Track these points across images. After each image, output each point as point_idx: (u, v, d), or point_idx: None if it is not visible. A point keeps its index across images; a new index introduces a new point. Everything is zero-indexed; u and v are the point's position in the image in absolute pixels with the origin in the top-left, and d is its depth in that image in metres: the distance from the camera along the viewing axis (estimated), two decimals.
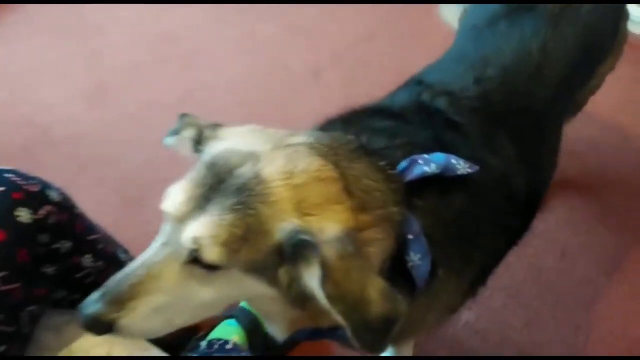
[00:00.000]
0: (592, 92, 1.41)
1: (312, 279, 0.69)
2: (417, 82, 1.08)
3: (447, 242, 0.88)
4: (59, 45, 2.26)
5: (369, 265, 0.73)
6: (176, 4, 2.37)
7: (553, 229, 1.67)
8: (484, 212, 0.94)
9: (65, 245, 0.98)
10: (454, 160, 0.86)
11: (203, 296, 0.76)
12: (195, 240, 0.70)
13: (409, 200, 0.83)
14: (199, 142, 0.84)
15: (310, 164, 0.75)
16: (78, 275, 1.01)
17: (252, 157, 0.75)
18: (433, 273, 0.85)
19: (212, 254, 0.70)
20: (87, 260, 1.03)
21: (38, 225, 0.91)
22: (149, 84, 2.12)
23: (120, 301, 0.73)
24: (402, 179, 0.84)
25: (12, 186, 0.90)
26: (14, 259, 0.87)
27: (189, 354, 1.19)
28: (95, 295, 0.75)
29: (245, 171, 0.73)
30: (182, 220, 0.73)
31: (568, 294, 1.56)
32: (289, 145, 0.78)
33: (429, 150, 0.88)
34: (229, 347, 1.16)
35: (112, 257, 1.12)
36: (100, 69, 2.18)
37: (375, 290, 0.70)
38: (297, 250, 0.70)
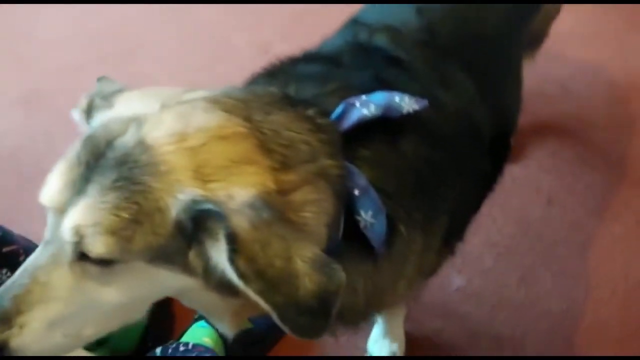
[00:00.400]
0: (550, 19, 1.30)
1: (219, 255, 0.58)
2: (353, 23, 0.96)
3: (404, 195, 0.76)
4: None
5: (295, 232, 0.60)
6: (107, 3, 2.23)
7: (535, 176, 1.56)
8: (444, 156, 0.82)
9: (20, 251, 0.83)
10: (397, 97, 0.74)
11: (107, 299, 0.63)
12: (75, 230, 0.58)
13: (352, 150, 0.71)
14: (88, 113, 0.71)
15: (208, 121, 0.63)
16: None
17: (135, 121, 0.62)
18: (393, 232, 0.73)
19: (97, 246, 0.57)
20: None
21: None
22: (89, 84, 1.96)
23: (6, 318, 0.60)
24: (336, 127, 0.72)
25: None
26: None
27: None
28: None
29: (126, 139, 0.61)
30: (61, 210, 0.60)
31: (560, 243, 1.46)
32: (182, 102, 0.65)
33: (368, 92, 0.75)
34: (184, 348, 1.03)
35: None
36: (32, 73, 2.02)
37: (304, 262, 0.58)
38: (198, 223, 0.58)
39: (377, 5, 1.00)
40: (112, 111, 0.67)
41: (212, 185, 0.59)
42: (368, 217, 0.70)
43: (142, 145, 0.60)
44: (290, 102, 0.71)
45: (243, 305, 0.70)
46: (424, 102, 0.76)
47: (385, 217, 0.71)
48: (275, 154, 0.63)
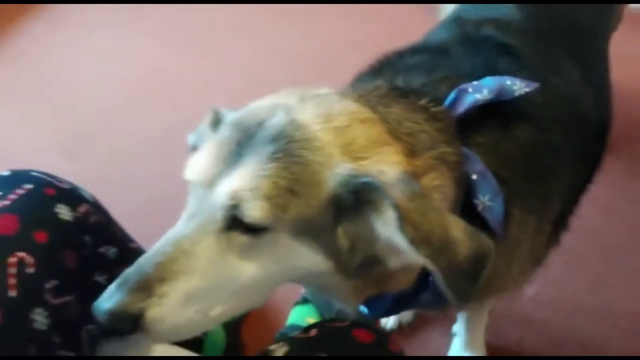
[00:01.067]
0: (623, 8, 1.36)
1: (386, 225, 0.60)
2: (454, 19, 1.00)
3: (519, 179, 0.78)
4: (24, 108, 2.11)
5: (441, 206, 0.64)
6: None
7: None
8: (558, 140, 0.84)
9: (111, 250, 0.83)
10: (508, 81, 0.77)
11: (245, 274, 0.63)
12: (233, 194, 0.59)
13: (466, 137, 0.74)
14: (216, 124, 0.73)
15: (345, 107, 0.67)
16: None
17: (281, 107, 0.65)
18: (508, 216, 0.75)
19: (254, 210, 0.58)
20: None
21: (79, 224, 0.77)
22: (128, 125, 1.99)
23: (146, 286, 0.59)
24: (451, 114, 0.74)
25: (42, 182, 0.76)
26: (61, 264, 0.72)
27: None
28: (112, 286, 0.61)
29: (277, 120, 0.63)
30: (211, 182, 0.62)
31: (623, 248, 1.49)
32: (317, 95, 0.69)
33: (477, 79, 0.78)
34: None
35: None
36: (70, 118, 2.04)
37: (458, 229, 0.60)
38: (360, 196, 0.60)
39: (473, 6, 1.05)
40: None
41: (361, 162, 0.62)
42: (486, 200, 0.72)
43: (294, 123, 0.63)
44: (402, 94, 0.75)
45: (364, 285, 0.72)
46: (535, 85, 0.78)
47: (502, 200, 0.73)
48: (402, 141, 0.67)
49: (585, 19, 1.03)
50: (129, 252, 0.89)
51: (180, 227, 0.63)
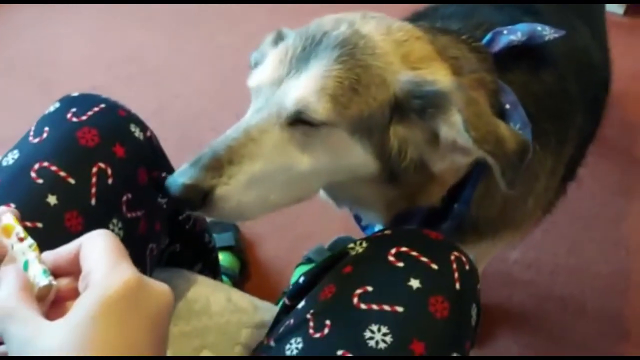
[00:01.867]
0: None
1: (451, 128, 0.67)
2: None
3: (542, 118, 0.85)
4: (7, 84, 2.09)
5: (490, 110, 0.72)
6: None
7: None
8: (574, 86, 0.93)
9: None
10: (539, 27, 0.84)
11: (301, 164, 0.69)
12: (300, 100, 0.66)
13: (500, 74, 0.82)
14: (277, 42, 0.78)
15: (403, 25, 0.75)
16: (180, 218, 0.89)
17: (345, 21, 0.73)
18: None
19: (320, 108, 0.65)
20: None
21: (149, 145, 0.81)
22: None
23: (217, 166, 0.66)
24: (489, 50, 0.82)
25: (114, 104, 0.80)
26: (135, 179, 0.76)
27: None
28: (185, 164, 0.67)
29: (342, 30, 0.70)
30: (277, 83, 0.69)
31: (595, 217, 1.63)
32: (377, 15, 0.77)
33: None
34: None
35: None
36: (55, 97, 2.03)
37: (504, 128, 0.69)
38: (426, 102, 0.68)
39: None
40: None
41: (418, 72, 0.70)
42: (516, 128, 0.78)
43: (358, 33, 0.70)
44: (445, 31, 0.82)
45: (398, 196, 0.79)
46: (562, 32, 0.85)
47: (530, 130, 0.80)
48: (448, 62, 0.75)
49: None
50: None
51: (249, 118, 0.70)
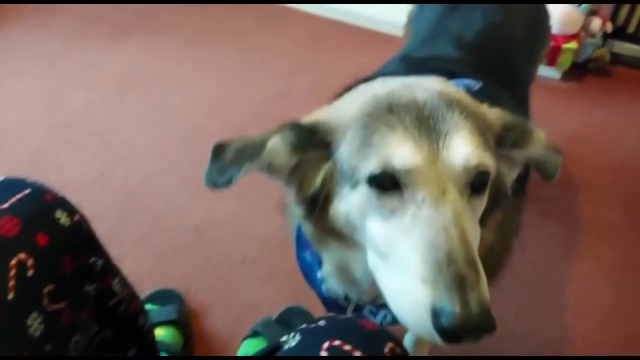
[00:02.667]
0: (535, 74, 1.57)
1: (539, 145, 0.77)
2: (401, 58, 1.13)
3: None
4: None
5: None
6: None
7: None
8: None
9: (98, 262, 0.83)
10: (466, 81, 0.92)
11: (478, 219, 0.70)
12: (472, 155, 0.65)
13: None
14: (303, 143, 0.72)
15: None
16: (111, 302, 0.85)
17: (411, 86, 0.72)
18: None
19: (488, 160, 0.66)
20: (117, 284, 0.88)
21: (76, 231, 0.77)
22: (57, 168, 1.94)
23: (472, 274, 0.61)
24: None
25: (39, 188, 0.76)
26: (59, 269, 0.72)
27: None
28: (445, 293, 0.59)
29: (431, 94, 0.70)
30: (432, 160, 0.65)
31: (541, 281, 1.64)
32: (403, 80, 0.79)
33: None
34: None
35: (132, 290, 0.97)
36: (3, 160, 1.96)
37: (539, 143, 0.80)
38: (515, 132, 0.75)
39: (416, 46, 1.19)
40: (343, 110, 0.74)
41: (495, 110, 0.78)
42: None
43: (442, 92, 0.70)
44: None
45: None
46: (480, 83, 0.95)
47: None
48: None
49: (511, 59, 1.21)
50: (112, 266, 0.89)
51: (445, 209, 0.63)
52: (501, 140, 0.74)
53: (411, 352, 1.34)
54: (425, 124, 0.66)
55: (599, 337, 1.51)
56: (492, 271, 0.95)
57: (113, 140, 2.07)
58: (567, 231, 1.80)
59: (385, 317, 0.92)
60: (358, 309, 0.93)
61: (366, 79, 1.01)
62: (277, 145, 0.71)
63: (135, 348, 0.94)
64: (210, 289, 1.57)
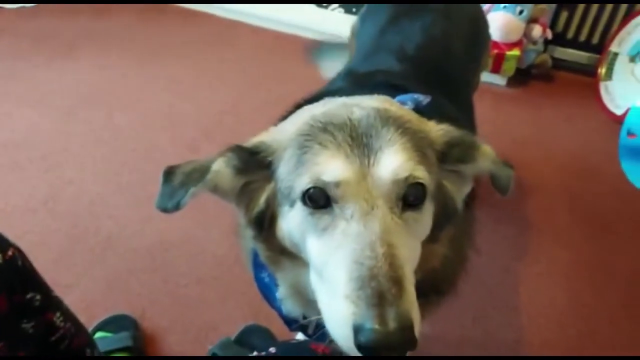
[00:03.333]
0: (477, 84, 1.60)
1: (486, 159, 0.75)
2: (346, 73, 1.14)
3: None
4: None
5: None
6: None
7: None
8: None
9: (36, 297, 0.79)
10: (415, 95, 0.91)
11: (422, 230, 0.71)
12: (402, 168, 0.65)
13: None
14: (246, 165, 0.73)
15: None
16: (53, 338, 0.81)
17: (353, 104, 0.73)
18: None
19: (420, 172, 0.66)
20: (58, 319, 0.84)
21: (10, 268, 0.73)
22: (0, 192, 1.86)
23: (393, 291, 0.60)
24: None
25: None
26: None
27: None
28: (359, 309, 0.60)
29: (369, 111, 0.70)
30: (363, 176, 0.65)
31: (497, 284, 1.67)
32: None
33: None
34: None
35: (77, 322, 0.93)
36: None
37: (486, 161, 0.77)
38: (462, 147, 0.74)
39: (359, 62, 1.20)
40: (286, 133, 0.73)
41: (441, 126, 0.77)
42: None
43: (381, 109, 0.71)
44: None
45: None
46: (429, 97, 0.93)
47: None
48: None
49: (453, 71, 1.23)
50: (52, 300, 0.85)
51: (370, 223, 0.63)
52: (446, 156, 0.74)
53: None
54: (358, 140, 0.66)
55: (555, 335, 1.55)
56: (450, 282, 0.95)
57: (60, 161, 2.00)
58: (519, 234, 1.84)
59: None
60: (319, 327, 0.92)
61: (312, 99, 1.01)
62: (221, 168, 0.71)
63: None
64: (166, 311, 1.53)
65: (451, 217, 0.75)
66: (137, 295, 1.56)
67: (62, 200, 1.84)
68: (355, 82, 1.08)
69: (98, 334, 1.40)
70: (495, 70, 2.48)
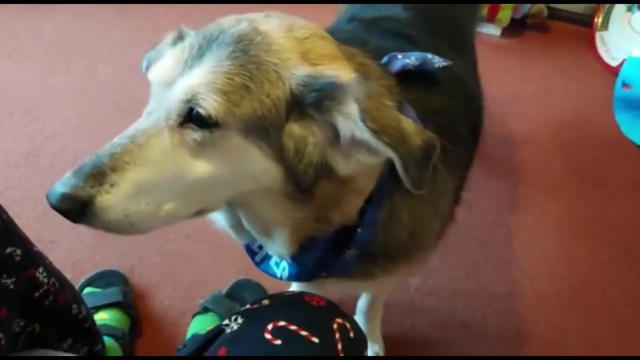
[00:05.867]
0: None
1: (349, 120, 0.63)
2: (349, 19, 1.07)
3: (441, 134, 0.78)
4: None
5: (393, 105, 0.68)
6: None
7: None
8: (461, 109, 0.93)
9: (17, 252, 0.76)
10: (429, 55, 0.84)
11: (195, 171, 0.64)
12: (189, 89, 0.61)
13: (397, 94, 0.78)
14: (177, 42, 0.72)
15: (307, 24, 0.71)
16: (37, 294, 0.79)
17: (246, 19, 0.69)
18: (434, 170, 0.79)
19: (209, 104, 0.60)
20: (41, 274, 0.81)
21: None
22: None
23: (100, 174, 0.60)
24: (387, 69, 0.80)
25: None
26: None
27: None
28: (68, 173, 0.61)
29: (240, 27, 0.66)
30: (170, 82, 0.64)
31: (489, 237, 1.66)
32: (282, 15, 0.72)
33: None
34: None
35: (62, 277, 0.90)
36: None
37: (409, 124, 0.65)
38: (323, 94, 0.63)
39: (362, 8, 1.12)
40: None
41: (319, 68, 0.65)
42: None
43: (256, 30, 0.66)
44: (350, 45, 0.77)
45: (305, 219, 0.73)
46: (450, 62, 0.85)
47: None
48: (356, 65, 0.71)
49: (458, 19, 1.18)
50: (33, 255, 0.82)
51: (138, 122, 0.64)
52: (299, 102, 0.65)
53: (365, 322, 1.33)
54: (199, 51, 0.64)
55: (547, 288, 1.55)
56: (412, 248, 0.89)
57: (41, 115, 1.94)
58: (511, 187, 1.83)
59: (284, 269, 0.85)
60: (266, 257, 0.89)
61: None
62: None
63: (71, 338, 0.88)
64: (156, 266, 1.51)
65: (326, 174, 0.67)
66: (126, 251, 1.53)
67: (45, 155, 1.79)
68: (361, 26, 1.01)
69: (87, 290, 1.37)
70: (491, 18, 2.41)
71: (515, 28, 2.55)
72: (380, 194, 0.76)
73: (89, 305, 1.17)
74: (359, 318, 1.34)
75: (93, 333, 0.98)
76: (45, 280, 0.82)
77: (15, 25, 2.34)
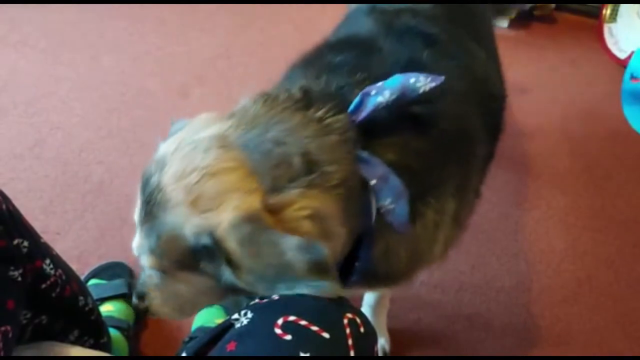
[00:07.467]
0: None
1: (226, 273, 0.68)
2: (370, 10, 1.04)
3: (435, 167, 0.81)
4: None
5: (282, 232, 0.66)
6: None
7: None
8: (474, 121, 0.90)
9: (24, 244, 0.76)
10: (412, 78, 0.76)
11: (182, 292, 0.80)
12: (136, 250, 0.77)
13: (371, 140, 0.75)
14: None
15: (203, 160, 0.70)
16: (44, 286, 0.79)
17: (161, 163, 0.73)
18: (425, 204, 0.81)
19: (145, 260, 0.75)
20: (48, 266, 0.81)
21: None
22: None
23: (143, 296, 0.85)
24: (350, 122, 0.74)
25: None
26: None
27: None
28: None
29: (153, 180, 0.73)
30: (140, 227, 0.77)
31: (495, 231, 1.65)
32: (191, 142, 0.73)
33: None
34: None
35: (68, 269, 0.90)
36: None
37: (292, 251, 0.64)
38: (207, 251, 0.69)
39: None
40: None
41: (206, 215, 0.68)
42: (387, 204, 0.74)
43: (158, 186, 0.71)
44: (305, 104, 0.75)
45: None
46: (441, 79, 0.77)
47: (406, 200, 0.75)
48: (265, 177, 0.69)
49: (478, 7, 1.16)
50: (40, 247, 0.82)
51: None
52: (197, 251, 0.70)
53: (371, 316, 1.32)
54: (141, 213, 0.75)
55: (553, 281, 1.55)
56: (415, 271, 0.92)
57: (46, 105, 1.93)
58: (518, 180, 1.81)
59: None
60: None
61: (331, 46, 0.95)
62: None
63: (77, 330, 0.88)
64: None
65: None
66: (131, 242, 1.52)
67: (50, 146, 1.79)
68: (382, 21, 0.97)
69: (92, 282, 1.37)
70: None
71: (522, 20, 2.53)
72: (371, 235, 0.78)
73: (95, 297, 1.17)
74: (365, 311, 1.33)
75: (99, 325, 0.98)
76: (52, 272, 0.82)
77: (19, 16, 2.33)
